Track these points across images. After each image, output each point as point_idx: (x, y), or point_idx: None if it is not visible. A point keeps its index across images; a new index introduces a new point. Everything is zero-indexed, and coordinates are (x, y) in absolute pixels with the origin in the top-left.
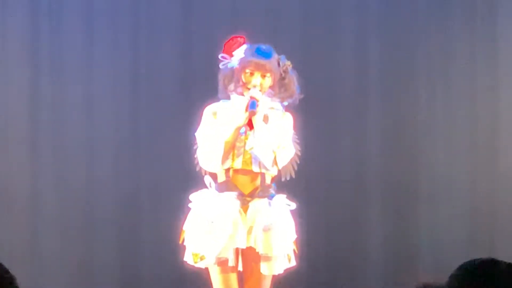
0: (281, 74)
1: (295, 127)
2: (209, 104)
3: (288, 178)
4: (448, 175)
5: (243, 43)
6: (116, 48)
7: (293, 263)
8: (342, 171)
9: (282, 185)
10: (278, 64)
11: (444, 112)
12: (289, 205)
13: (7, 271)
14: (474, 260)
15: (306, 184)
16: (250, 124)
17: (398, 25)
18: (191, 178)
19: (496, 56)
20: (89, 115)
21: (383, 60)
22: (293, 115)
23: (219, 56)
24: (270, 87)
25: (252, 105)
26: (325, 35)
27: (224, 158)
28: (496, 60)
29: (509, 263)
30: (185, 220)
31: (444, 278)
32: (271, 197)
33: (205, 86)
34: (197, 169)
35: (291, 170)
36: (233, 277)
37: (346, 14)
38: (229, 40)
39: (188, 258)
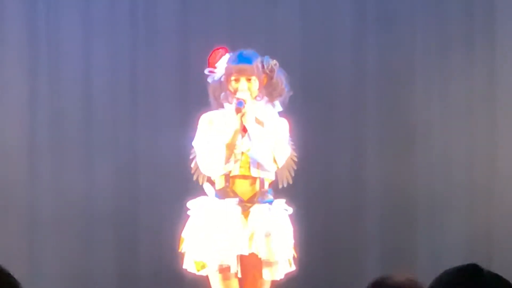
0: (267, 75)
1: (291, 133)
2: (205, 112)
3: (285, 185)
4: (445, 177)
5: (225, 53)
6: (114, 56)
7: (293, 268)
8: (340, 176)
9: (283, 189)
10: (263, 66)
11: (441, 116)
12: (286, 210)
13: (9, 275)
14: (458, 266)
15: (304, 189)
16: (244, 130)
17: (396, 27)
18: (189, 185)
19: (494, 58)
20: (87, 120)
21: (380, 66)
22: (290, 120)
23: (205, 71)
24: (259, 89)
25: (239, 104)
26: (323, 40)
27: (226, 161)
28: (494, 63)
29: (490, 271)
30: (183, 228)
31: None
32: (270, 202)
33: (203, 94)
34: (194, 178)
35: (288, 176)
36: (235, 284)
37: (344, 18)
38: (211, 54)
39: (190, 266)
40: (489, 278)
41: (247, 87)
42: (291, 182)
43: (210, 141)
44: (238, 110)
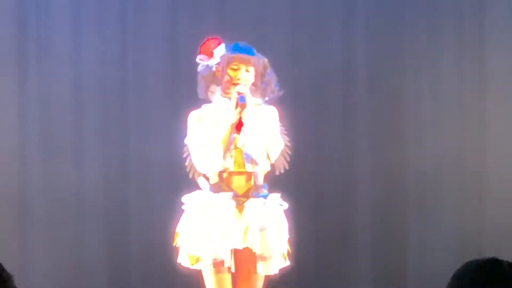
0: (262, 70)
1: (280, 119)
2: (193, 109)
3: (282, 171)
4: (436, 170)
5: (220, 43)
6: (104, 52)
7: (288, 263)
8: (332, 170)
9: (274, 184)
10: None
11: (432, 110)
12: (281, 204)
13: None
14: (478, 259)
15: (296, 184)
16: (237, 126)
17: (386, 20)
18: (181, 181)
19: (483, 53)
20: (78, 117)
21: (371, 59)
22: (280, 110)
23: (197, 59)
24: (253, 83)
25: (242, 99)
26: (312, 35)
27: (224, 157)
28: (483, 57)
29: (509, 262)
30: (178, 222)
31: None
32: (265, 196)
33: (194, 91)
34: (190, 176)
35: (284, 162)
36: (228, 278)
37: (334, 11)
38: (205, 42)
39: (184, 260)
40: (509, 270)
41: (244, 77)
42: (287, 167)
43: (204, 139)
44: (242, 106)
